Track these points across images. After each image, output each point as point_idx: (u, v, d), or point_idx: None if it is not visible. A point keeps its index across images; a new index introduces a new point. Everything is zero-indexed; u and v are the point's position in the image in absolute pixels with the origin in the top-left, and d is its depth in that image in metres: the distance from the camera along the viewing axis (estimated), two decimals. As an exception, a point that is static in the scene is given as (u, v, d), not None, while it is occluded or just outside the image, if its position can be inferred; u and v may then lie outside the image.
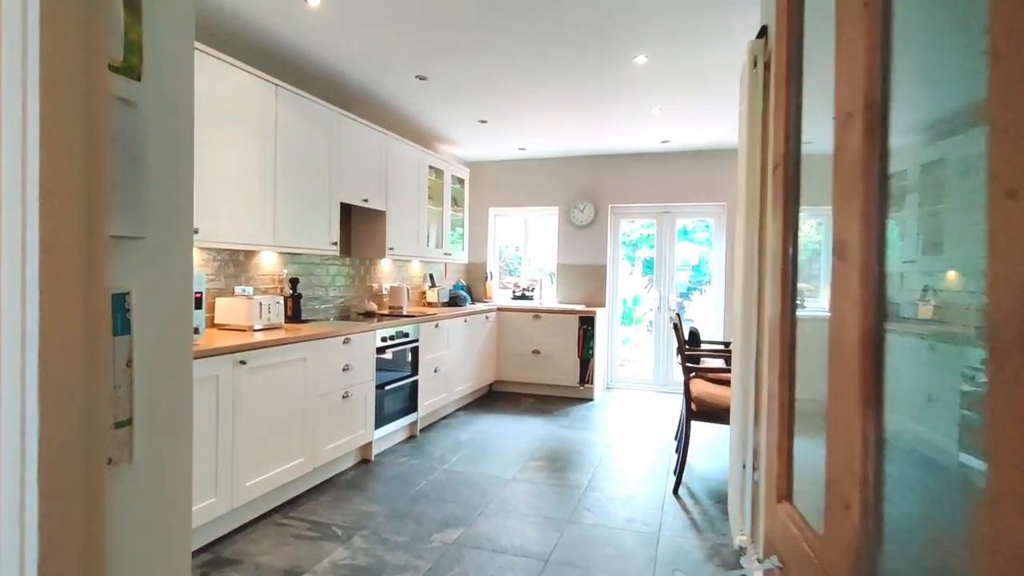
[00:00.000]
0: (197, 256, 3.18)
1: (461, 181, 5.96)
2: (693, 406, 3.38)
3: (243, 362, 2.70)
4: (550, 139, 5.62)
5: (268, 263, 3.73)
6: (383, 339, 3.91)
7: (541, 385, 5.96)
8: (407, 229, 4.81)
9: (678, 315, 4.16)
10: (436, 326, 4.69)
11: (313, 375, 3.21)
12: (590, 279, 6.39)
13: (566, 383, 5.84)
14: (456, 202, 5.87)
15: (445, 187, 5.52)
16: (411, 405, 4.32)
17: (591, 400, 5.80)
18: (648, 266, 7.69)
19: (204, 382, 2.50)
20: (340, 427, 3.47)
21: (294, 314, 3.76)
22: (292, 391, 3.05)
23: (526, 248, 6.83)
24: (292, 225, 3.46)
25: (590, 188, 6.38)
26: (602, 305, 6.32)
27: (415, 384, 4.36)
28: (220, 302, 3.23)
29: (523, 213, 6.78)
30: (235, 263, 3.46)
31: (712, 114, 4.63)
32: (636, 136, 5.44)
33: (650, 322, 8.00)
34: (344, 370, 3.48)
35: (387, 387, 3.96)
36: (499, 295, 6.84)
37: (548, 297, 6.62)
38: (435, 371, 4.69)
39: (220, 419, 2.59)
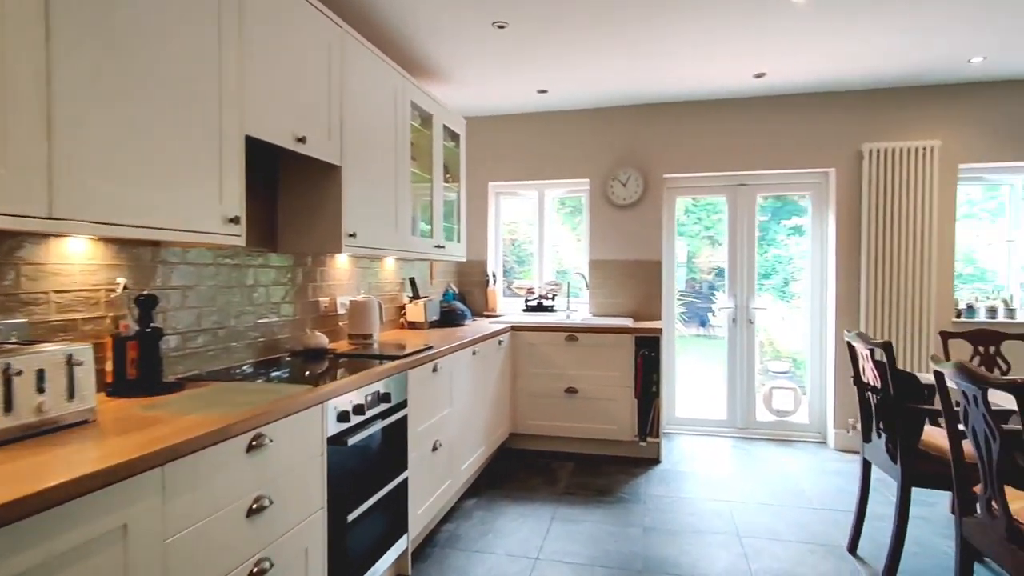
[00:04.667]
0: None
1: (456, 137, 3.97)
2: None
3: None
4: (588, 74, 3.69)
5: (78, 260, 1.68)
6: (342, 415, 1.91)
7: (582, 441, 4.03)
8: (379, 204, 2.81)
9: (865, 340, 2.30)
10: (434, 369, 2.71)
11: (153, 549, 1.19)
12: (638, 281, 4.50)
13: (619, 436, 3.93)
14: (448, 170, 3.88)
15: (435, 143, 3.53)
16: (396, 524, 2.32)
17: (658, 462, 3.90)
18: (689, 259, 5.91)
19: None
20: (242, 652, 1.45)
21: (142, 372, 1.72)
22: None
23: (541, 239, 4.89)
24: (113, 170, 1.43)
25: (637, 151, 4.48)
26: (657, 317, 4.44)
27: (403, 485, 2.37)
28: None
29: (539, 189, 4.84)
30: (-30, 266, 1.41)
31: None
32: (720, 67, 3.57)
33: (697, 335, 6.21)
34: (253, 512, 1.47)
35: (353, 513, 1.96)
36: (504, 305, 4.89)
37: (577, 307, 4.69)
38: (434, 449, 2.71)
39: None
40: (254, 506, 1.47)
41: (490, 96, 4.23)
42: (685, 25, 3.01)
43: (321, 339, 2.58)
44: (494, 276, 4.81)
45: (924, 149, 3.90)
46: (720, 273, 4.68)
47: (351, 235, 2.51)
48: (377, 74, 2.78)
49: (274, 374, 2.08)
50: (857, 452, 4.08)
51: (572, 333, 3.97)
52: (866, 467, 2.65)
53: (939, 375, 1.86)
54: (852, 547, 2.65)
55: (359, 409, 2.00)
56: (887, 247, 3.96)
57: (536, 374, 4.03)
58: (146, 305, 1.76)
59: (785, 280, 4.81)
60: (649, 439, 3.90)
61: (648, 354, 3.90)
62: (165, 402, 1.59)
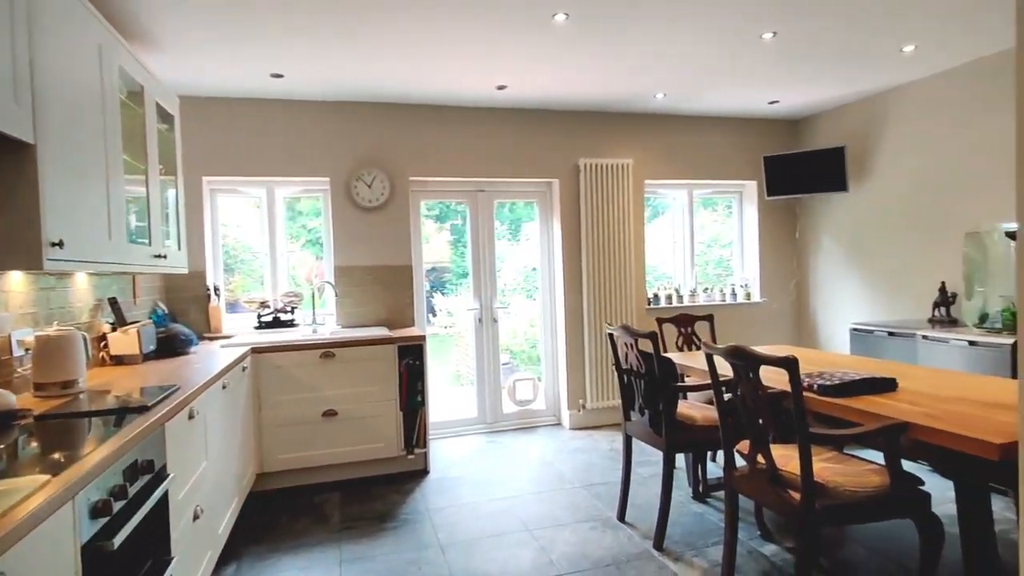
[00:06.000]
0: None
1: (169, 119, 3.17)
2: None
3: None
4: (331, 64, 3.37)
5: None
6: (98, 507, 1.31)
7: (345, 466, 3.66)
8: (89, 200, 2.04)
9: (629, 331, 2.65)
10: (191, 416, 2.11)
11: None
12: (388, 288, 4.31)
13: (385, 454, 3.70)
14: (161, 160, 3.07)
15: (148, 124, 2.75)
16: (164, 632, 1.73)
17: (427, 472, 3.80)
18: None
19: None
20: None
21: None
22: None
23: (273, 245, 4.28)
24: None
25: (383, 151, 4.28)
26: (410, 324, 4.33)
27: (172, 577, 1.77)
28: None
29: (267, 187, 4.22)
30: None
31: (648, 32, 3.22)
32: (466, 75, 3.66)
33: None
34: None
35: (119, 641, 1.37)
36: (230, 324, 4.15)
37: (323, 320, 4.26)
38: (195, 518, 2.11)
39: None
40: None
41: (209, 74, 3.51)
42: (435, 24, 2.93)
43: (6, 398, 1.75)
44: (216, 290, 4.03)
45: (622, 166, 4.66)
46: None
47: (56, 244, 1.76)
48: (76, 22, 2.01)
49: (-54, 466, 1.31)
50: (586, 428, 4.67)
51: (328, 349, 3.58)
52: (627, 442, 3.03)
53: (709, 356, 2.22)
54: (621, 515, 3.00)
55: (120, 492, 1.41)
56: (601, 248, 4.63)
57: (285, 401, 3.52)
58: None
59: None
60: (416, 450, 3.78)
61: (412, 363, 3.77)
62: None
